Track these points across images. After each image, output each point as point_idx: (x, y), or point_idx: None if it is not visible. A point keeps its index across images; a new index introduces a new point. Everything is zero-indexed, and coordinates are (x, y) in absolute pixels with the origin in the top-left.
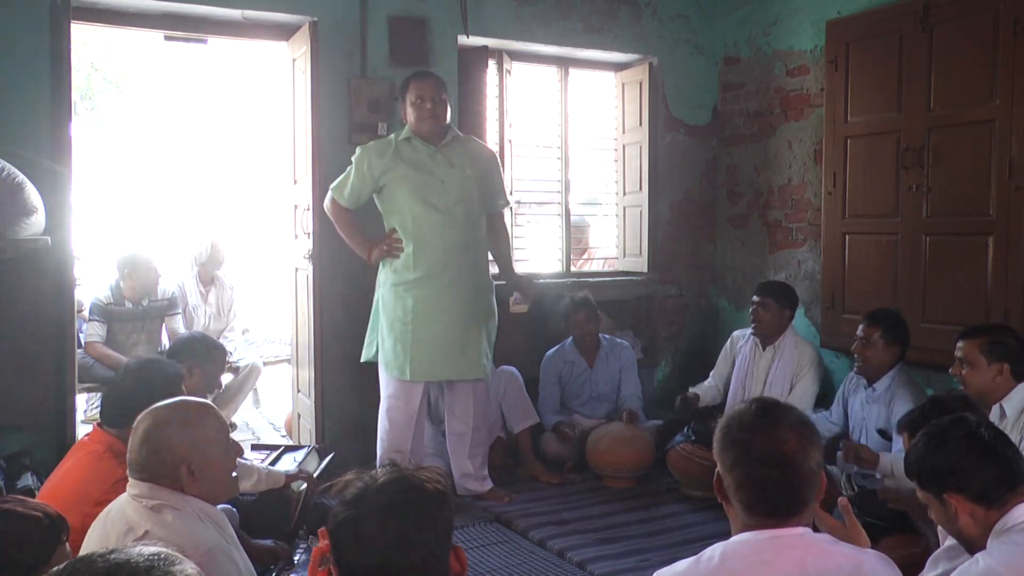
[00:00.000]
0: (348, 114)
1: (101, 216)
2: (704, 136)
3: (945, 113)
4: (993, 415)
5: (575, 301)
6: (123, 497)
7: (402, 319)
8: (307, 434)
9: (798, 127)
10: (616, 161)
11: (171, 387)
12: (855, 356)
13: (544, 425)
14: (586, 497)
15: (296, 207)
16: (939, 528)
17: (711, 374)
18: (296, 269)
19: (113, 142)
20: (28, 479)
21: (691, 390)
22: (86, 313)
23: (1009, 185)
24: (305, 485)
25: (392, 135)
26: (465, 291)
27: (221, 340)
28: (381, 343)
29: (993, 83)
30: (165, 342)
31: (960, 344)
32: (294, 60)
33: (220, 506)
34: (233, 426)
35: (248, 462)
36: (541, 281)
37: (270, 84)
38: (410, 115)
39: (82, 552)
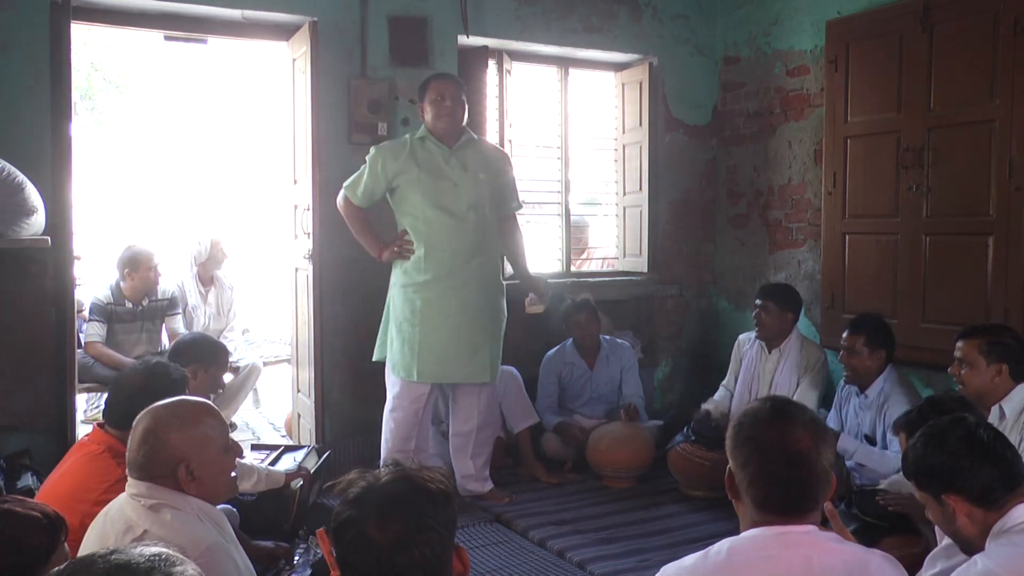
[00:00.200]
0: (348, 114)
1: (101, 216)
2: (704, 136)
3: (945, 113)
4: (992, 416)
5: (576, 303)
6: (122, 497)
7: (410, 320)
8: (307, 434)
9: (798, 127)
10: (616, 161)
11: (177, 390)
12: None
13: (544, 425)
14: (586, 497)
15: (296, 207)
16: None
17: (723, 383)
18: (296, 269)
19: (113, 142)
20: (28, 479)
21: (704, 406)
22: (86, 313)
23: (1009, 185)
24: (300, 482)
25: (407, 135)
26: (474, 294)
27: (221, 340)
28: (389, 344)
29: (993, 83)
30: (165, 342)
31: (959, 344)
32: (294, 60)
33: (220, 506)
34: (233, 426)
35: (248, 462)
36: (549, 280)
37: (270, 84)
38: (428, 113)
39: (81, 552)
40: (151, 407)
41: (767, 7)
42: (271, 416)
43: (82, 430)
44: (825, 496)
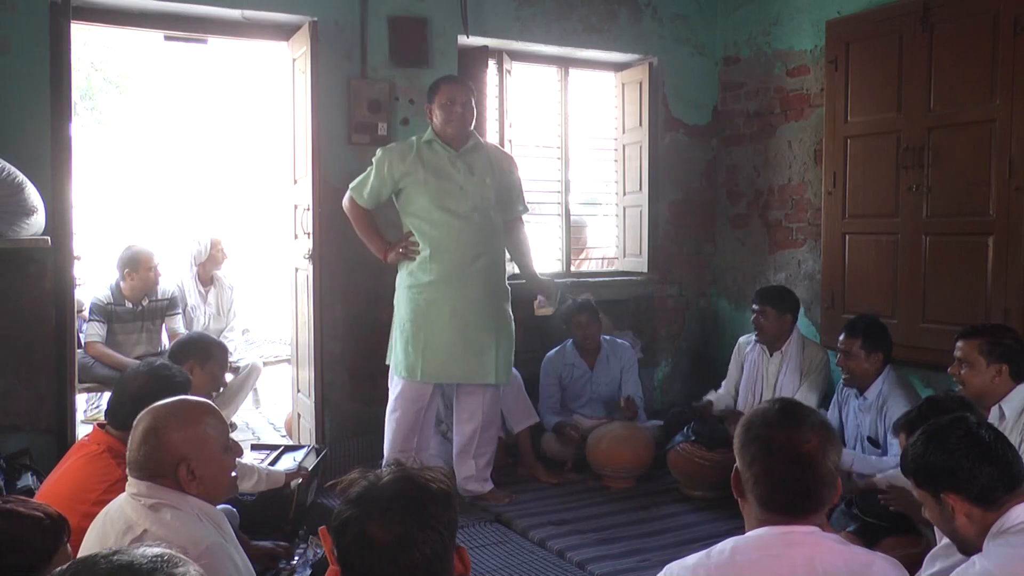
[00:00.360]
0: (348, 114)
1: (101, 216)
2: (704, 136)
3: (945, 113)
4: (992, 416)
5: (577, 303)
6: (122, 496)
7: (413, 321)
8: (307, 434)
9: (798, 127)
10: (616, 161)
11: (180, 392)
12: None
13: (544, 425)
14: (586, 497)
15: (296, 207)
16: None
17: (723, 383)
18: (296, 269)
19: (113, 142)
20: (28, 479)
21: (705, 397)
22: (86, 313)
23: (1009, 185)
24: (299, 481)
25: (413, 138)
26: (479, 296)
27: (221, 340)
28: (393, 344)
29: (993, 83)
30: (165, 342)
31: (959, 344)
32: (294, 60)
33: (220, 506)
34: (233, 426)
35: (248, 462)
36: (555, 280)
37: (270, 84)
38: (437, 117)
39: (81, 552)
40: (151, 407)
41: (767, 7)
42: (271, 416)
43: (82, 430)
44: (830, 498)
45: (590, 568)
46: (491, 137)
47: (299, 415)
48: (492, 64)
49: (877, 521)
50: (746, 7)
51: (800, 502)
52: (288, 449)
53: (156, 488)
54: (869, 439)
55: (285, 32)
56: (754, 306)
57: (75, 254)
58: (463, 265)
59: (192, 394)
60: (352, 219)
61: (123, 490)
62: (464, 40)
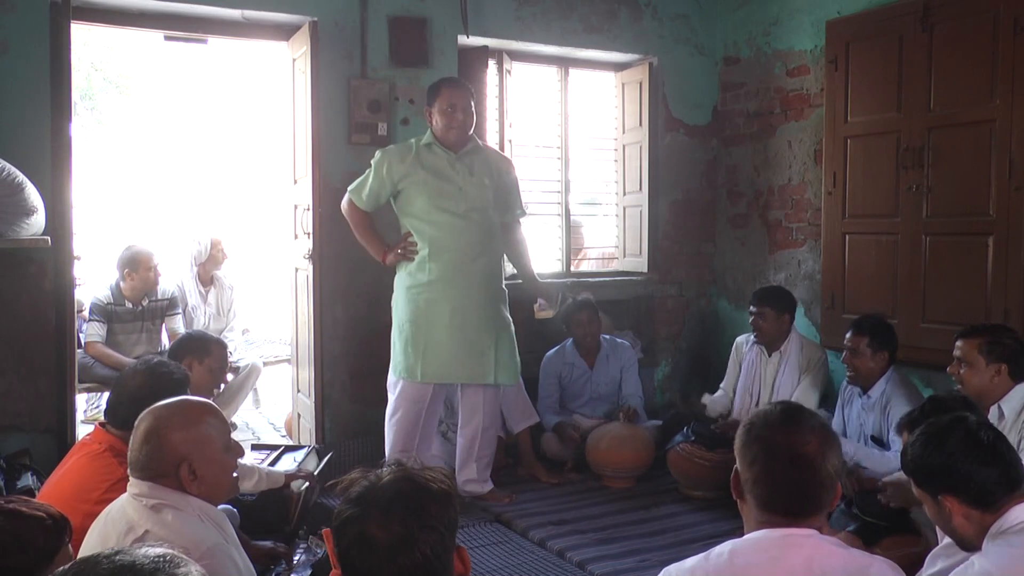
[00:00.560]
0: (348, 114)
1: (101, 216)
2: (704, 136)
3: (945, 113)
4: (991, 416)
5: (577, 302)
6: (123, 496)
7: (413, 321)
8: (307, 434)
9: (798, 127)
10: (616, 161)
11: (179, 390)
12: (845, 366)
13: (544, 425)
14: (586, 497)
15: (296, 207)
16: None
17: (721, 385)
18: (296, 269)
19: (113, 142)
20: (28, 479)
21: (702, 400)
22: (86, 313)
23: (1009, 185)
24: (306, 484)
25: (412, 140)
26: (478, 296)
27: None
28: (392, 345)
29: (993, 83)
30: (165, 342)
31: (959, 344)
32: (294, 60)
33: (220, 506)
34: (233, 426)
35: (248, 462)
36: (555, 281)
37: (270, 84)
38: (438, 122)
39: (82, 552)
40: (153, 407)
41: (767, 7)
42: (271, 416)
43: (82, 430)
44: (829, 501)
45: (590, 568)
46: (491, 137)
47: (299, 415)
48: (492, 64)
49: (877, 521)
50: (746, 7)
51: (798, 504)
52: (288, 449)
53: (158, 489)
54: (873, 438)
55: (285, 32)
56: (752, 308)
57: (75, 254)
58: (462, 265)
59: (191, 391)
60: (351, 222)
61: (125, 489)
62: (464, 40)
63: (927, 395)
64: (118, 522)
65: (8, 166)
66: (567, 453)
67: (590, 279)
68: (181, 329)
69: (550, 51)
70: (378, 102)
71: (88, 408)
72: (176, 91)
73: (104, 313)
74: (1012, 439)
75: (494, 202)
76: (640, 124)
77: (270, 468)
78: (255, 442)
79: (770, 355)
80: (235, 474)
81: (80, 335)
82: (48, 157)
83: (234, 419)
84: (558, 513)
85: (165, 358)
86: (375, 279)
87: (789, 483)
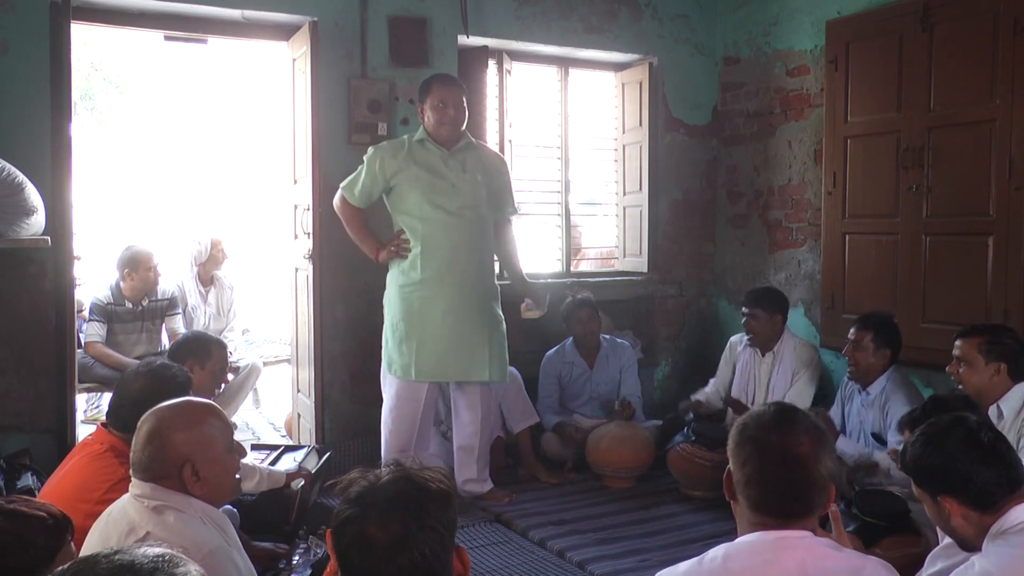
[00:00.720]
0: (348, 114)
1: (101, 216)
2: (704, 136)
3: (945, 113)
4: (990, 415)
5: (577, 300)
6: (125, 497)
7: (406, 319)
8: (307, 434)
9: (798, 127)
10: (616, 161)
11: (181, 392)
12: (847, 359)
13: (544, 425)
14: (586, 497)
15: (296, 207)
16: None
17: (711, 381)
18: (296, 269)
19: (113, 142)
20: (28, 479)
21: (694, 396)
22: (86, 313)
23: (1009, 185)
24: (302, 483)
25: (405, 136)
26: (471, 294)
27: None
28: (385, 344)
29: (993, 83)
30: (165, 342)
31: (958, 343)
32: (294, 60)
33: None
34: (233, 426)
35: (250, 463)
36: (542, 281)
37: (270, 84)
38: (429, 118)
39: (83, 552)
40: (155, 408)
41: (767, 7)
42: (271, 416)
43: (82, 430)
44: (822, 503)
45: (590, 568)
46: (491, 137)
47: (299, 415)
48: (492, 64)
49: (877, 521)
50: (746, 7)
51: (790, 504)
52: (288, 449)
53: (160, 490)
54: (873, 435)
55: (285, 32)
56: (744, 309)
57: (75, 254)
58: (455, 262)
59: (193, 393)
60: (343, 219)
61: (126, 489)
62: (464, 40)
63: (927, 395)
64: (119, 523)
65: (8, 166)
66: (567, 453)
67: (590, 279)
68: (181, 329)
69: (550, 51)
70: (378, 102)
71: (88, 408)
72: (176, 91)
73: (104, 313)
74: (1011, 438)
75: (487, 199)
76: (640, 124)
77: (271, 468)
78: (255, 442)
79: (764, 356)
80: (238, 475)
81: (80, 335)
82: (48, 157)
83: (234, 419)
84: (558, 513)
85: (166, 359)
86: (375, 279)
87: (782, 484)
